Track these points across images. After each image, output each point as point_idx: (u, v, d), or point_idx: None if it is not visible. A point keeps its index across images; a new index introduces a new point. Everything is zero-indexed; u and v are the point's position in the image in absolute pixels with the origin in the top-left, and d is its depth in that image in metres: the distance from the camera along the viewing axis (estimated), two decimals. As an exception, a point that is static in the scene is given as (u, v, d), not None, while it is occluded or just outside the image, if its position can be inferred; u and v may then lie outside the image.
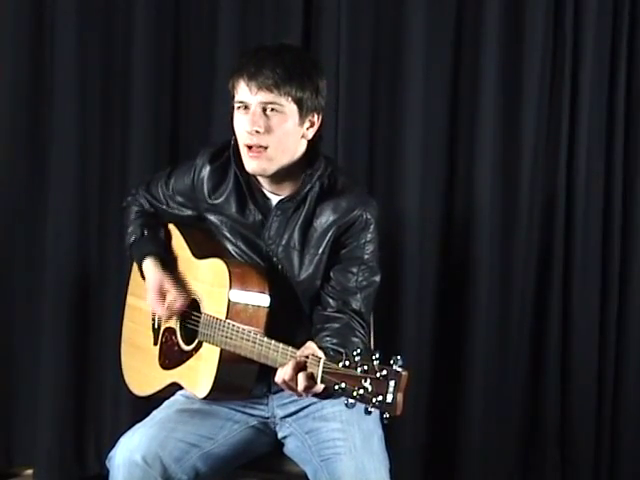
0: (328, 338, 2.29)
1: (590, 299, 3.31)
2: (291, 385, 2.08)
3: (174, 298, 2.46)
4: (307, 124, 2.35)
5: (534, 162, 3.28)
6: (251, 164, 2.33)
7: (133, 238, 2.58)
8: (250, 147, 2.31)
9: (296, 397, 2.30)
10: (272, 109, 2.29)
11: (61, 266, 3.32)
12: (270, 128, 2.30)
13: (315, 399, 2.23)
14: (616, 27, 3.24)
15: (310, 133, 2.37)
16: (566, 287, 3.32)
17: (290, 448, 2.45)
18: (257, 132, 2.29)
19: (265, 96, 2.28)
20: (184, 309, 2.46)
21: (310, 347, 2.11)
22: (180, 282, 2.50)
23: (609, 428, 3.36)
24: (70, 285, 3.35)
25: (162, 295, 2.47)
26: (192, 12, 3.30)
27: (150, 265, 2.51)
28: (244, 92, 2.30)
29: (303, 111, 2.32)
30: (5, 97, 3.29)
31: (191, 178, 2.50)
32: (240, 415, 2.44)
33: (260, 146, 2.30)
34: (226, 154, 2.44)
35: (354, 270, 2.38)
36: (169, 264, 2.53)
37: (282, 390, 2.16)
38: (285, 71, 2.27)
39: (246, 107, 2.31)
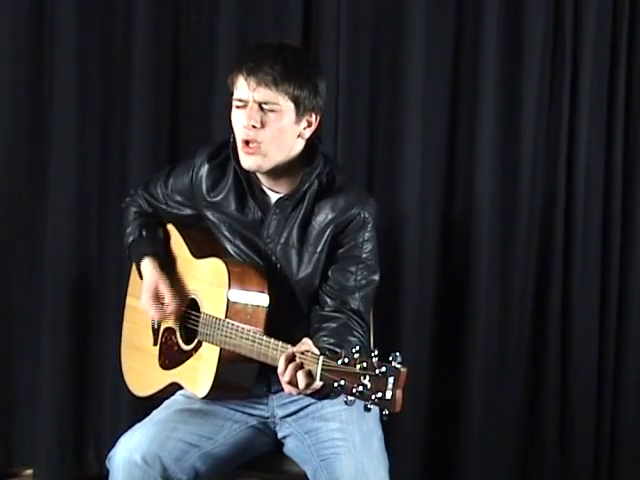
0: (325, 338, 2.29)
1: (590, 299, 3.31)
2: (293, 383, 2.08)
3: (168, 302, 2.47)
4: (304, 124, 2.35)
5: (534, 162, 3.28)
6: (246, 160, 2.34)
7: (131, 238, 2.59)
8: (247, 142, 2.31)
9: (296, 397, 2.31)
10: (269, 106, 2.29)
11: (61, 266, 3.32)
12: (266, 123, 2.30)
13: (315, 400, 2.24)
14: (616, 27, 3.24)
15: (307, 133, 2.37)
16: (566, 287, 3.31)
17: (290, 448, 2.45)
18: (253, 127, 2.30)
19: (263, 92, 2.28)
20: (177, 313, 2.47)
21: (306, 343, 2.12)
22: (176, 285, 2.51)
23: (609, 428, 3.35)
24: (70, 285, 3.34)
25: (157, 297, 2.48)
26: (192, 12, 3.30)
27: (148, 265, 2.52)
28: (242, 88, 2.31)
29: (300, 110, 2.32)
30: (5, 97, 3.29)
31: (190, 177, 2.50)
32: (240, 415, 2.44)
33: (255, 141, 2.30)
34: (225, 152, 2.45)
35: (352, 269, 2.38)
36: (167, 264, 2.53)
37: (282, 390, 2.16)
38: (284, 69, 2.28)
39: (244, 103, 2.31)
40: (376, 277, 2.40)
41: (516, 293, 3.31)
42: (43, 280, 3.33)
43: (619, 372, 3.34)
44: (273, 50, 2.31)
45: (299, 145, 2.37)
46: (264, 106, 2.29)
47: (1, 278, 3.36)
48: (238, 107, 2.33)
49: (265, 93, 2.28)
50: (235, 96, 2.33)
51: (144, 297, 2.50)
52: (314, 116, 2.36)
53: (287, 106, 2.30)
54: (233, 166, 2.42)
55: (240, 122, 2.32)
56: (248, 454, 2.47)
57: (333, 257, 2.38)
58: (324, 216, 2.37)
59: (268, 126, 2.30)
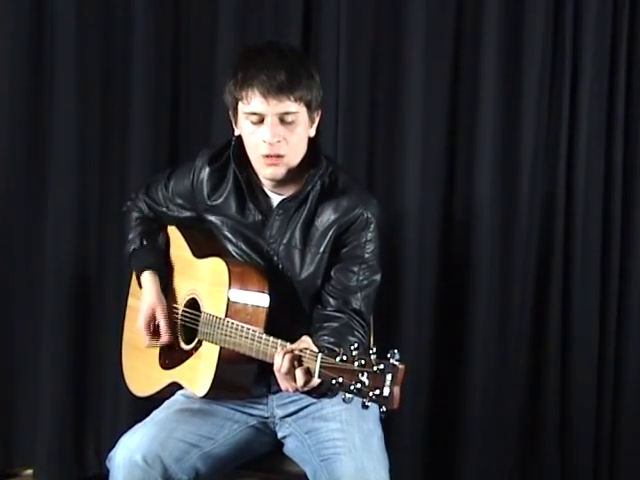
0: (325, 337, 2.30)
1: (590, 299, 3.31)
2: (287, 378, 2.09)
3: (161, 333, 2.49)
4: (312, 123, 2.36)
5: (534, 162, 3.28)
6: (268, 171, 2.33)
7: (132, 248, 2.60)
8: (268, 156, 2.31)
9: (295, 397, 2.31)
10: (288, 116, 2.28)
11: (61, 266, 3.32)
12: (288, 136, 2.29)
13: (314, 399, 2.24)
14: (616, 27, 3.24)
15: (313, 131, 2.38)
16: (566, 287, 3.31)
17: (290, 448, 2.45)
18: (278, 142, 2.29)
19: (282, 106, 2.27)
20: (168, 345, 2.49)
21: (305, 341, 2.13)
22: (175, 288, 2.53)
23: (609, 428, 3.35)
24: (70, 285, 3.34)
25: (152, 324, 2.51)
26: (192, 12, 3.30)
27: (148, 280, 2.54)
28: (258, 103, 2.27)
29: (311, 111, 2.33)
30: (5, 97, 3.29)
31: (190, 180, 2.50)
32: (240, 415, 2.45)
33: (279, 155, 2.30)
34: (226, 154, 2.44)
35: (355, 269, 2.38)
36: (167, 275, 2.55)
37: (281, 390, 2.17)
38: (294, 76, 2.27)
39: (260, 117, 2.29)
40: (377, 277, 2.41)
41: (516, 293, 3.31)
42: (43, 280, 3.33)
43: (619, 372, 3.33)
44: (275, 56, 2.29)
45: (307, 145, 2.37)
46: (285, 118, 2.28)
47: (1, 278, 3.36)
48: (254, 122, 2.30)
49: (284, 105, 2.27)
50: (248, 110, 2.29)
51: (140, 321, 2.52)
52: (317, 112, 2.37)
53: (302, 112, 2.30)
54: (233, 169, 2.42)
55: (260, 138, 2.30)
56: (248, 454, 2.48)
57: (336, 257, 2.38)
58: (327, 217, 2.38)
59: (291, 138, 2.30)
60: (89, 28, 3.26)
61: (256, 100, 2.28)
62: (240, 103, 2.31)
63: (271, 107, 2.27)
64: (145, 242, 2.59)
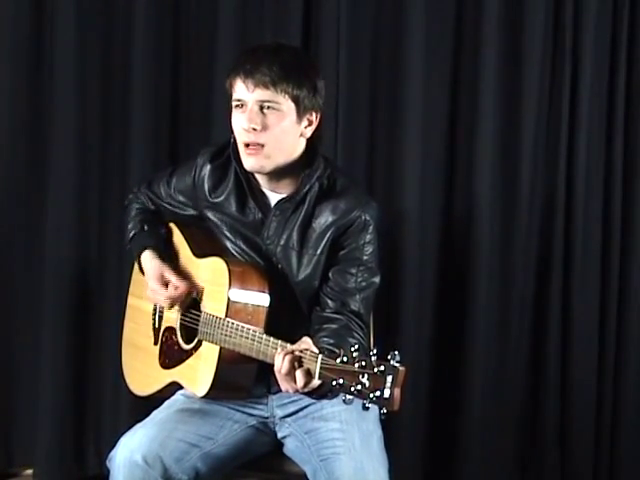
0: (325, 338, 2.29)
1: (590, 299, 3.31)
2: (288, 379, 2.09)
3: (175, 286, 2.45)
4: (305, 122, 2.35)
5: (534, 162, 3.28)
6: (249, 161, 2.34)
7: (133, 233, 2.59)
8: (247, 145, 2.32)
9: (295, 397, 2.31)
10: (269, 107, 2.29)
11: (61, 266, 3.32)
12: (267, 126, 2.30)
13: (314, 400, 2.24)
14: (616, 27, 3.24)
15: (308, 132, 2.37)
16: (566, 287, 3.31)
17: (290, 448, 2.45)
18: (254, 130, 2.30)
19: (262, 94, 2.29)
20: (187, 294, 2.45)
21: (305, 342, 2.12)
22: (180, 272, 2.50)
23: (609, 428, 3.35)
24: (70, 285, 3.35)
25: (163, 284, 2.47)
26: (192, 12, 3.30)
27: (148, 256, 2.51)
28: (241, 90, 2.31)
29: (301, 109, 2.32)
30: (5, 97, 3.29)
31: (192, 177, 2.50)
32: (240, 415, 2.45)
33: (257, 144, 2.31)
34: (227, 153, 2.45)
35: (353, 271, 2.37)
36: (168, 257, 2.53)
37: (281, 390, 2.16)
38: (282, 69, 2.28)
39: (243, 105, 2.31)
40: (376, 279, 2.40)
41: (516, 293, 3.31)
42: (43, 280, 3.33)
43: (619, 372, 3.34)
44: (270, 51, 2.32)
45: (301, 145, 2.37)
46: (264, 107, 2.29)
47: (1, 278, 3.36)
48: (237, 108, 2.33)
49: (264, 94, 2.28)
50: (234, 97, 2.33)
51: (150, 285, 2.48)
52: (314, 115, 2.36)
53: (288, 106, 2.30)
54: (234, 167, 2.42)
55: (240, 125, 2.32)
56: (248, 454, 2.47)
57: (334, 259, 2.38)
58: (325, 219, 2.37)
59: (270, 128, 2.30)
60: (89, 28, 3.27)
61: (239, 87, 2.31)
62: (232, 92, 2.34)
63: (251, 94, 2.29)
64: (146, 227, 2.58)
